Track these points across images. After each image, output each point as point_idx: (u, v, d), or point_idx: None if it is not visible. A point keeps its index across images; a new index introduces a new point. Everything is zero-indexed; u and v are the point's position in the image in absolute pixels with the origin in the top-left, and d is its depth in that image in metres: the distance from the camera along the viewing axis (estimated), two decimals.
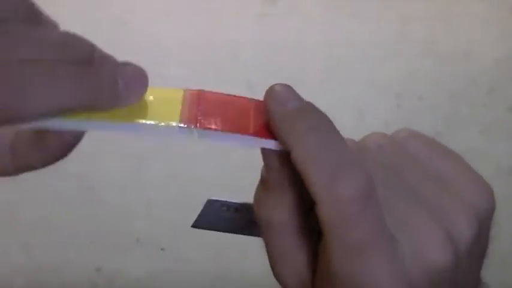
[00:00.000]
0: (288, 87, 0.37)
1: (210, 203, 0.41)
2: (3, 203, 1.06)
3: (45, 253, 1.06)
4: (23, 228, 1.07)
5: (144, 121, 0.35)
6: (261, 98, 0.38)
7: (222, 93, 0.37)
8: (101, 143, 1.05)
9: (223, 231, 0.41)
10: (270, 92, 0.37)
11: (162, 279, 1.05)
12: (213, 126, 0.35)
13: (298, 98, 0.37)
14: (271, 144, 0.35)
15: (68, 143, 0.36)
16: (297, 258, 0.36)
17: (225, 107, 0.36)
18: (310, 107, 0.36)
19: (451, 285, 0.34)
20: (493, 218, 0.37)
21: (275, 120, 0.35)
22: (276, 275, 0.38)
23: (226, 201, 0.41)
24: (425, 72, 1.24)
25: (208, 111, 0.36)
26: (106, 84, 0.33)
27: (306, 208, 0.36)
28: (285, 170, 0.35)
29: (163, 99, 0.36)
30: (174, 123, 0.35)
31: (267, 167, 0.36)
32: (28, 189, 1.07)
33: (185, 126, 0.35)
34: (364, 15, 1.29)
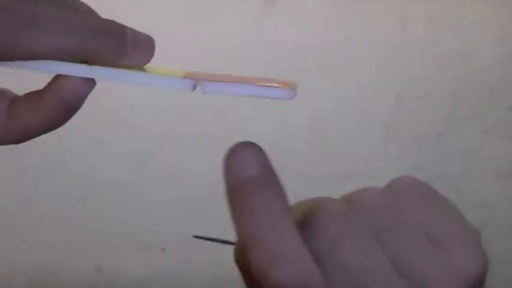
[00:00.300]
0: (251, 151, 0.33)
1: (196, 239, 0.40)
2: (3, 203, 1.06)
3: (45, 253, 1.06)
4: (23, 228, 1.07)
5: (147, 72, 0.35)
6: (262, 99, 0.37)
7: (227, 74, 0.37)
8: (101, 143, 1.05)
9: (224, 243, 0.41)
10: (229, 152, 0.34)
11: (162, 279, 1.05)
12: (217, 79, 0.35)
13: (257, 166, 0.33)
14: (277, 92, 0.35)
15: (68, 105, 0.35)
16: None
17: (227, 76, 0.36)
18: (265, 181, 0.33)
19: None
20: (485, 282, 0.36)
21: (226, 188, 0.34)
22: None
23: (210, 238, 0.40)
24: (425, 72, 1.24)
25: (211, 75, 0.36)
26: (115, 33, 0.34)
27: None
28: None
29: (166, 71, 0.37)
30: (177, 76, 0.35)
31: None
32: (28, 189, 1.07)
33: (188, 78, 0.35)
34: (364, 15, 1.29)
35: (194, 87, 0.35)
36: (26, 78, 0.39)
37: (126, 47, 0.34)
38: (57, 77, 0.35)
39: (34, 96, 0.35)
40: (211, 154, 1.15)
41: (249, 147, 0.33)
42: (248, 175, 0.33)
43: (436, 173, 1.10)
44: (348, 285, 0.32)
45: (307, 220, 0.33)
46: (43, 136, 0.37)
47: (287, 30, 1.27)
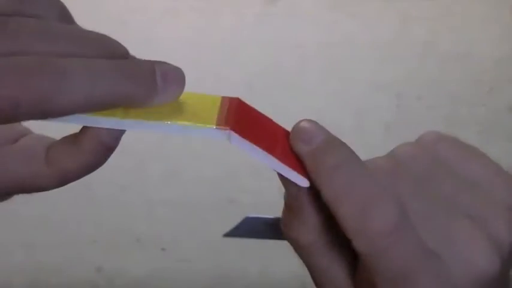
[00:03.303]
0: (313, 124, 0.36)
1: (246, 220, 0.41)
2: (3, 202, 1.06)
3: (45, 253, 1.06)
4: (23, 228, 1.07)
5: (180, 122, 0.35)
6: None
7: (257, 110, 0.38)
8: None
9: (255, 238, 0.42)
10: (296, 130, 0.36)
11: (162, 279, 1.05)
12: (247, 136, 0.35)
13: (323, 133, 0.36)
14: (293, 176, 0.35)
15: (105, 146, 0.34)
16: (335, 275, 0.37)
17: (258, 122, 0.37)
18: (335, 142, 0.36)
19: None
20: None
21: (303, 159, 0.35)
22: None
23: (263, 218, 0.41)
24: (425, 72, 1.24)
25: (243, 120, 0.36)
26: (144, 74, 0.33)
27: (334, 223, 0.36)
28: (305, 195, 0.36)
29: (200, 103, 0.36)
30: (210, 126, 0.35)
31: (287, 192, 0.36)
32: None
33: (221, 129, 0.35)
34: (364, 15, 1.29)
35: (225, 137, 0.35)
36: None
37: (156, 86, 0.33)
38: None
39: (71, 140, 0.35)
40: (212, 154, 1.15)
41: (309, 121, 0.36)
42: (321, 140, 0.35)
43: None
44: (422, 225, 0.34)
45: None
46: None
47: (287, 30, 1.27)
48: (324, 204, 0.34)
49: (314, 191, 0.35)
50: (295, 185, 0.36)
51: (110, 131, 0.34)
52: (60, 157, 0.35)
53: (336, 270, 0.36)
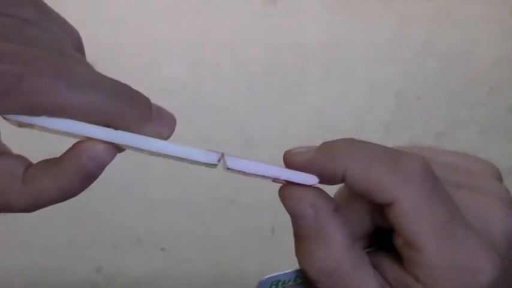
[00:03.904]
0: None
1: (262, 284, 0.38)
2: None
3: (45, 253, 1.06)
4: (23, 228, 1.07)
5: (170, 143, 0.35)
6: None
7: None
8: None
9: None
10: (288, 152, 0.36)
11: (162, 279, 1.05)
12: (244, 160, 0.35)
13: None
14: (302, 177, 0.34)
15: (87, 172, 0.34)
16: None
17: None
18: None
19: None
20: None
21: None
22: None
23: (277, 276, 0.38)
24: (425, 72, 1.23)
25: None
26: (142, 99, 0.34)
27: (358, 234, 0.35)
28: (323, 211, 0.34)
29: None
30: (201, 149, 0.35)
31: (298, 217, 0.35)
32: None
33: (213, 151, 0.35)
34: (364, 15, 1.29)
35: (219, 161, 0.35)
36: (44, 145, 0.38)
37: (151, 115, 0.34)
38: (77, 144, 0.34)
39: (52, 162, 0.34)
40: None
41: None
42: (313, 148, 0.35)
43: None
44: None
45: None
46: (42, 136, 0.36)
47: (287, 30, 1.27)
48: (343, 217, 0.34)
49: (330, 206, 0.34)
50: (308, 204, 0.34)
51: (93, 156, 0.34)
52: (38, 175, 0.34)
53: (371, 283, 0.35)
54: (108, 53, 1.08)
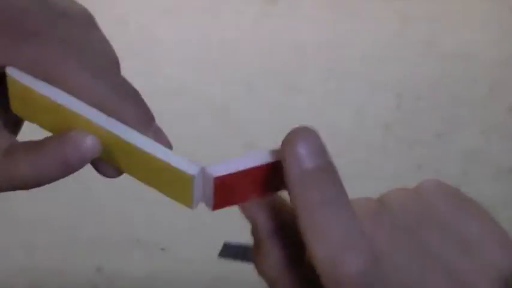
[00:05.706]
0: (310, 138, 0.33)
1: (226, 245, 0.40)
2: (3, 203, 1.06)
3: (45, 253, 1.06)
4: (23, 228, 1.07)
5: (157, 143, 0.35)
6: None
7: (231, 172, 0.34)
8: None
9: (242, 262, 0.41)
10: (290, 142, 0.33)
11: (162, 279, 1.06)
12: (224, 204, 0.35)
13: (319, 154, 0.33)
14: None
15: (68, 164, 0.34)
16: None
17: (237, 184, 0.35)
18: (329, 172, 0.33)
19: None
20: None
21: (289, 180, 0.32)
22: None
23: (238, 244, 0.40)
24: (425, 72, 1.24)
25: (221, 195, 0.34)
26: (146, 106, 0.36)
27: (299, 258, 0.35)
28: (263, 228, 0.34)
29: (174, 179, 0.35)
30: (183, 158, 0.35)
31: (252, 224, 0.35)
32: None
33: (196, 164, 0.35)
34: (364, 15, 1.29)
35: (199, 173, 0.34)
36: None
37: (153, 122, 0.35)
38: (65, 132, 0.34)
39: (35, 146, 0.34)
40: (211, 154, 1.15)
41: (307, 136, 0.32)
42: (314, 165, 0.32)
43: (436, 173, 1.10)
44: (396, 275, 0.33)
45: None
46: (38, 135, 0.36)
47: (287, 30, 1.27)
48: (289, 240, 0.33)
49: (275, 225, 0.34)
50: (254, 216, 0.34)
51: (77, 148, 0.34)
52: (19, 153, 0.34)
53: None
54: None
